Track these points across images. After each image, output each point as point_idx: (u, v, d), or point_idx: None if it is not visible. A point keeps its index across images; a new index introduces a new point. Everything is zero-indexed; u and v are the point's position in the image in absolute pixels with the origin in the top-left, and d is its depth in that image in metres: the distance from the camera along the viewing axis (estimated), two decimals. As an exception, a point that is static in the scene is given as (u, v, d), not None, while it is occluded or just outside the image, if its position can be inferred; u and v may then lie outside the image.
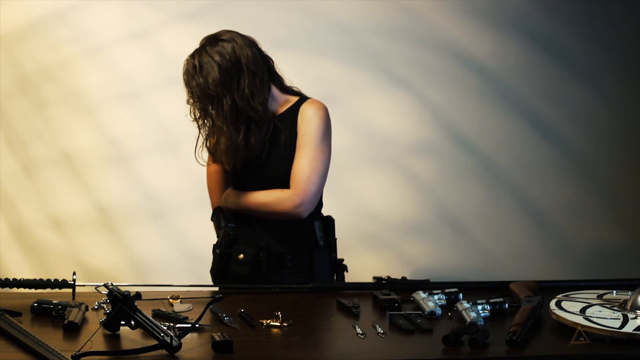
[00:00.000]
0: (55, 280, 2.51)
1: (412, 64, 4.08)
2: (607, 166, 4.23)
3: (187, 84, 2.76)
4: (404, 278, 2.70)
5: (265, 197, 2.77)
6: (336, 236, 2.90)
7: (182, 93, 4.01)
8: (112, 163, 4.01)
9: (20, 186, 4.00)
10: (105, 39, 3.96)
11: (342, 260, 2.89)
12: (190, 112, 2.80)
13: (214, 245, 2.85)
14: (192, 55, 2.76)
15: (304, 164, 2.74)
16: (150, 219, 4.03)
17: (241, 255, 2.76)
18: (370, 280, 2.73)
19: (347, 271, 2.90)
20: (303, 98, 2.82)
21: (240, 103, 2.69)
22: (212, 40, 2.74)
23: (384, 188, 4.11)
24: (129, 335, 2.14)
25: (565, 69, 4.17)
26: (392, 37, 4.06)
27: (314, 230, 2.83)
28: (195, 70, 2.72)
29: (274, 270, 2.78)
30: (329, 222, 2.88)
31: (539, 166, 4.19)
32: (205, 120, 2.77)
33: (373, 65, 4.06)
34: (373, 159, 4.11)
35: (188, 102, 2.79)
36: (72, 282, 2.51)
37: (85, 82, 3.97)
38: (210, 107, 2.74)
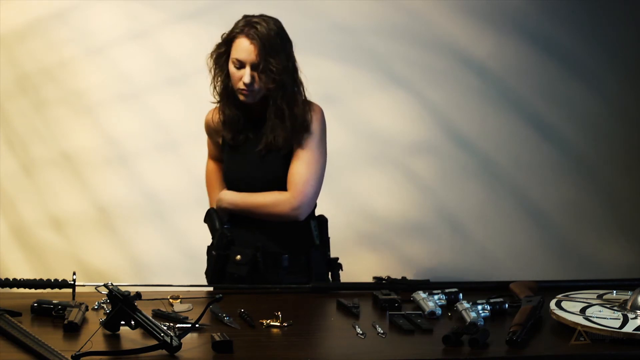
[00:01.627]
0: (55, 280, 2.51)
1: (412, 64, 4.08)
2: (607, 166, 4.23)
3: (271, 47, 2.70)
4: (404, 278, 2.70)
5: (262, 199, 2.76)
6: (332, 235, 2.90)
7: (182, 93, 4.03)
8: (112, 163, 4.01)
9: (20, 186, 4.00)
10: (105, 39, 3.96)
11: (337, 259, 2.88)
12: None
13: (209, 247, 2.84)
14: (265, 22, 2.73)
15: (301, 167, 2.74)
16: (150, 219, 4.03)
17: (238, 257, 2.75)
18: (370, 280, 2.73)
19: (342, 269, 2.89)
20: None
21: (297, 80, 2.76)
22: (269, 19, 2.76)
23: (384, 188, 4.11)
24: (129, 335, 2.14)
25: (565, 69, 4.16)
26: (392, 37, 4.06)
27: (310, 230, 2.83)
28: (277, 37, 2.72)
29: (271, 270, 2.77)
30: (323, 221, 2.88)
31: (539, 166, 4.19)
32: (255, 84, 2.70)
33: (373, 65, 4.06)
34: (373, 159, 4.11)
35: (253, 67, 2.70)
36: (72, 282, 2.51)
37: (85, 82, 3.97)
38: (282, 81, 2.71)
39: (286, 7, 3.97)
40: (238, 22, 2.77)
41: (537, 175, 4.19)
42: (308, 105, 2.79)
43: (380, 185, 4.11)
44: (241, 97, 2.74)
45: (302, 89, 2.79)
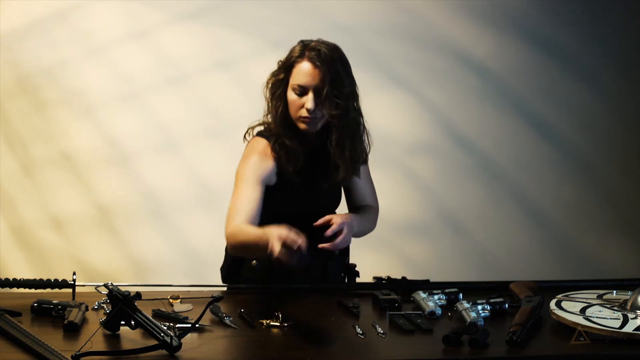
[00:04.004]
0: (55, 280, 2.51)
1: (412, 64, 4.08)
2: (607, 166, 4.23)
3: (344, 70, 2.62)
4: (404, 278, 2.70)
5: (369, 217, 2.82)
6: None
7: (182, 93, 4.03)
8: (112, 163, 4.01)
9: (20, 186, 4.00)
10: (105, 39, 3.96)
11: (355, 265, 2.85)
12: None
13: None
14: (326, 46, 2.59)
15: (371, 187, 2.85)
16: (150, 219, 4.03)
17: (254, 262, 2.72)
18: (370, 280, 2.73)
19: (358, 276, 2.85)
20: None
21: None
22: (324, 41, 2.63)
23: (384, 188, 4.08)
24: (129, 335, 2.14)
25: (565, 69, 4.17)
26: (392, 37, 4.07)
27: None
28: (340, 61, 2.60)
29: (286, 277, 2.73)
30: None
31: (539, 166, 4.19)
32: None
33: (373, 65, 4.06)
34: (373, 159, 4.09)
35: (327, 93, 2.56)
36: (72, 282, 2.51)
37: (85, 82, 3.97)
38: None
39: (286, 7, 3.98)
40: (295, 48, 2.61)
41: (537, 175, 4.19)
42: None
43: (380, 185, 4.08)
44: (302, 126, 2.59)
45: (362, 118, 2.71)
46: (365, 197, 2.84)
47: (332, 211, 2.74)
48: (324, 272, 2.75)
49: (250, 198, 2.56)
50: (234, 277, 2.76)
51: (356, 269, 2.84)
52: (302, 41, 2.63)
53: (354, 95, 2.66)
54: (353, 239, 2.76)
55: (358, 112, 2.69)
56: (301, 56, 2.57)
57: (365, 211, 2.81)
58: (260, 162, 2.61)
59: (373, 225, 2.86)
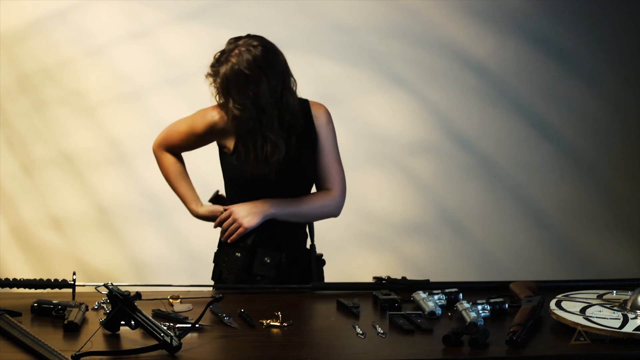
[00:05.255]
0: (55, 280, 2.51)
1: (412, 64, 4.08)
2: (607, 166, 4.23)
3: (230, 89, 2.68)
4: (404, 278, 2.70)
5: (314, 202, 2.76)
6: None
7: (181, 93, 4.03)
8: (112, 163, 4.01)
9: (20, 186, 4.00)
10: (105, 39, 3.97)
11: (322, 255, 2.88)
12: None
13: (219, 252, 2.82)
14: (232, 61, 2.67)
15: (336, 165, 2.78)
16: (150, 219, 4.03)
17: (267, 259, 2.74)
18: (370, 280, 2.73)
19: (325, 264, 2.88)
20: (303, 99, 2.80)
21: (287, 110, 2.68)
22: (248, 47, 2.66)
23: (384, 188, 4.11)
24: (129, 335, 2.14)
25: (565, 69, 4.17)
26: (392, 37, 4.07)
27: (311, 227, 2.83)
28: (241, 79, 2.64)
29: (289, 270, 2.77)
30: None
31: (539, 166, 4.19)
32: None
33: (373, 65, 4.06)
34: (373, 159, 4.11)
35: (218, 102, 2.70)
36: (72, 282, 2.51)
37: (85, 82, 3.97)
38: (260, 119, 2.64)
39: (286, 7, 3.99)
40: (221, 54, 2.75)
41: (537, 175, 4.20)
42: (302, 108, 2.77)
43: (380, 185, 4.11)
44: None
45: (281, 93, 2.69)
46: (331, 176, 2.78)
47: (306, 178, 2.77)
48: (308, 264, 2.80)
49: (181, 134, 2.90)
50: (241, 279, 2.75)
51: (323, 257, 2.87)
52: (232, 41, 2.74)
53: (264, 96, 2.65)
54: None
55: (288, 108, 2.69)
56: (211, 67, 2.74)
57: (311, 201, 2.77)
58: (212, 123, 2.81)
59: (324, 209, 2.79)
